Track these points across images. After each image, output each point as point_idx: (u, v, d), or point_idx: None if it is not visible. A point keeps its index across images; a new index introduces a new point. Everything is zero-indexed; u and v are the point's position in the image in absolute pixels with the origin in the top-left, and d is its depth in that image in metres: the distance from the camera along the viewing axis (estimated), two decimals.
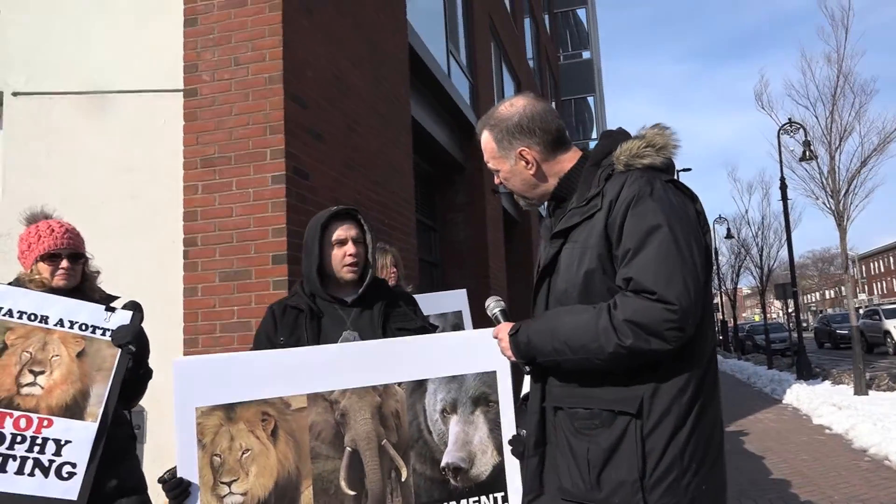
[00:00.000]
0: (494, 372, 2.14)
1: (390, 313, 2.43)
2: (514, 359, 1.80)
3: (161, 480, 1.92)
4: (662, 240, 1.56)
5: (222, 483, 1.93)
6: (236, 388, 2.00)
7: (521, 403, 2.16)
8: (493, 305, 1.95)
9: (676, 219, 1.60)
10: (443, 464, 2.09)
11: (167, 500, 1.92)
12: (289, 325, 2.35)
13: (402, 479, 2.06)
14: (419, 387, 2.12)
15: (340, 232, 2.40)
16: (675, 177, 1.76)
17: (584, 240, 1.67)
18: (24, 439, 2.26)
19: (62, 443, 2.29)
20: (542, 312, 1.77)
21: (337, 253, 2.40)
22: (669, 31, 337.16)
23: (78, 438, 2.31)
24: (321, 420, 2.03)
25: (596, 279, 1.65)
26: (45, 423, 2.29)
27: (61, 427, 2.30)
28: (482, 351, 2.09)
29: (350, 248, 2.39)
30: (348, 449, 2.03)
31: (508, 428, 2.13)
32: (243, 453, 1.96)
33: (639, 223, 1.58)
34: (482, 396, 2.14)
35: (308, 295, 2.40)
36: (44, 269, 2.48)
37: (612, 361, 1.57)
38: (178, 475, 1.91)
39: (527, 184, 1.85)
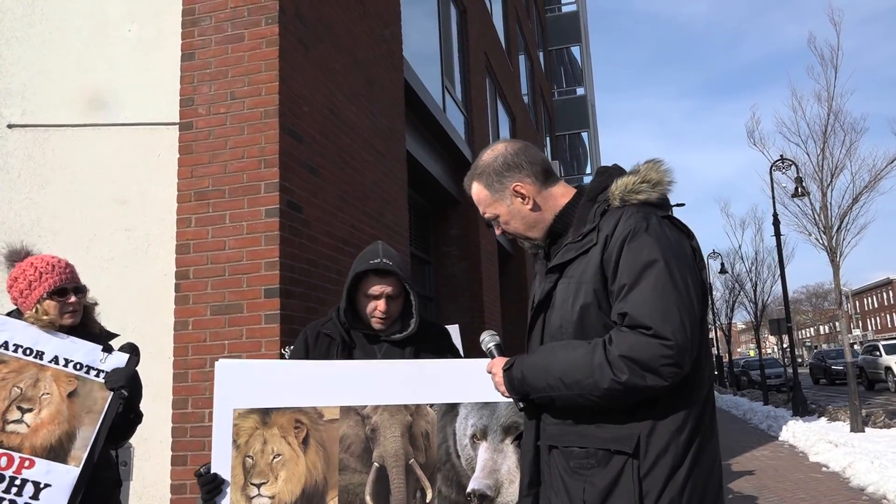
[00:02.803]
0: None
1: (422, 349, 2.40)
2: (507, 395, 1.77)
3: (197, 474, 1.98)
4: (658, 275, 1.55)
5: (252, 484, 1.99)
6: (273, 393, 2.05)
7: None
8: (488, 339, 1.93)
9: (672, 254, 1.59)
10: (469, 489, 2.08)
11: (200, 494, 1.98)
12: (320, 354, 2.34)
13: (427, 500, 2.06)
14: (451, 410, 2.13)
15: (375, 289, 2.32)
16: (670, 212, 1.76)
17: (580, 275, 1.66)
18: (2, 479, 2.19)
19: (41, 486, 2.22)
20: (536, 348, 1.75)
21: (369, 304, 2.34)
22: (669, 68, 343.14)
23: (58, 483, 2.23)
24: (352, 433, 2.06)
25: (591, 314, 1.63)
26: (27, 463, 2.22)
27: (42, 469, 2.23)
28: None
29: (381, 305, 2.32)
30: (376, 464, 2.05)
31: None
32: (274, 457, 2.01)
33: (634, 258, 1.58)
34: (513, 426, 2.12)
35: (342, 323, 2.37)
36: (52, 307, 2.39)
37: (607, 398, 1.54)
38: (213, 471, 1.96)
39: (527, 221, 1.84)
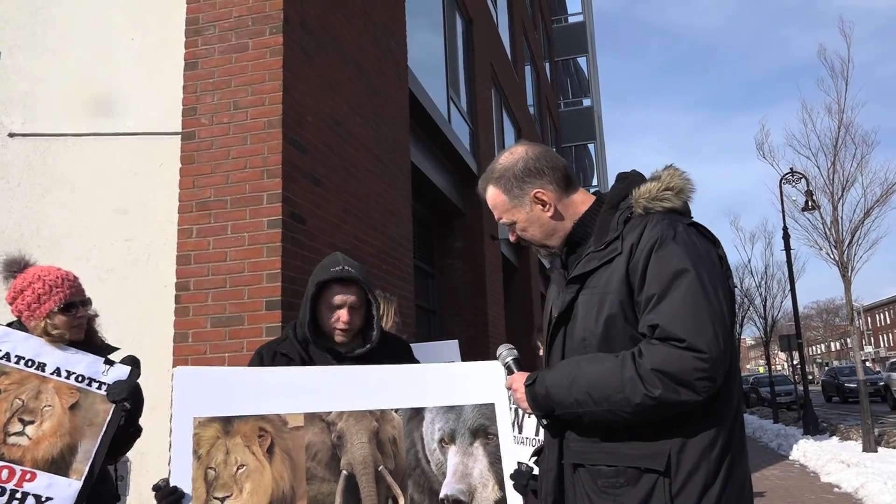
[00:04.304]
0: (493, 404, 2.11)
1: (383, 364, 2.39)
2: (530, 411, 1.73)
3: (155, 487, 1.89)
4: (689, 285, 1.52)
5: (215, 498, 1.89)
6: (235, 401, 2.00)
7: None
8: (506, 354, 1.90)
9: (702, 263, 1.56)
10: (442, 495, 2.05)
11: None
12: None
13: None
14: (416, 415, 2.11)
15: (338, 298, 2.32)
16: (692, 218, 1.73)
17: (604, 285, 1.62)
18: (3, 492, 2.19)
19: (43, 499, 2.22)
20: (558, 362, 1.71)
21: (332, 316, 2.33)
22: (679, 80, 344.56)
23: (60, 496, 2.23)
24: (318, 441, 2.01)
25: (617, 326, 1.60)
26: (28, 476, 2.22)
27: (44, 482, 2.23)
28: (481, 383, 2.09)
29: (344, 315, 2.31)
30: (344, 472, 2.00)
31: (510, 461, 2.08)
32: (238, 469, 1.93)
33: (663, 267, 1.54)
34: (481, 428, 2.10)
35: (300, 341, 2.35)
36: (62, 321, 2.41)
37: (638, 413, 1.51)
38: (172, 485, 1.87)
39: (545, 229, 1.79)
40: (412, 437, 2.09)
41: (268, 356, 2.35)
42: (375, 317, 2.37)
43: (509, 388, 1.81)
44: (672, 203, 1.67)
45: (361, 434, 2.04)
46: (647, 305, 1.55)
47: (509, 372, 1.87)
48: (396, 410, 2.10)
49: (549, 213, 1.78)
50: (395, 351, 2.48)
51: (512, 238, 1.87)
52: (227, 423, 1.96)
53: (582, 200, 1.80)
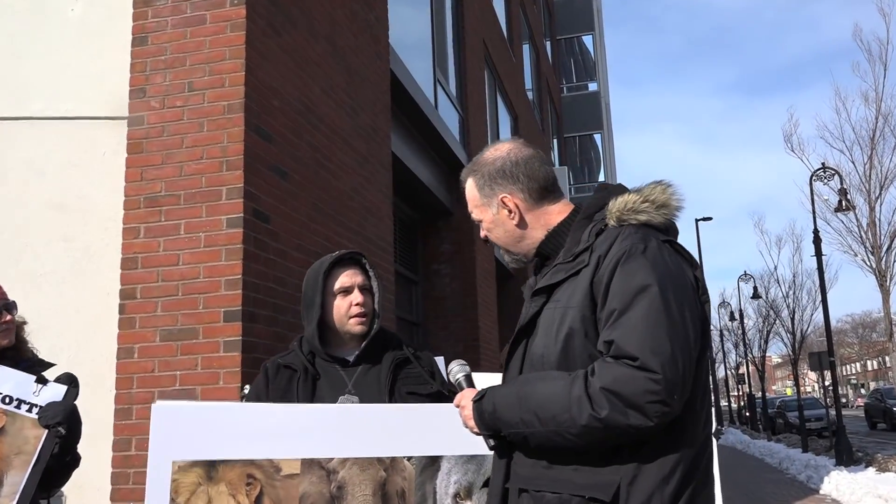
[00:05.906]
0: None
1: (400, 374, 2.43)
2: (476, 430, 1.80)
3: None
4: (651, 301, 1.58)
5: None
6: (221, 443, 1.99)
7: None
8: (457, 370, 1.97)
9: (670, 281, 1.63)
10: None
11: None
12: (280, 388, 2.37)
13: None
14: (432, 464, 2.10)
15: (345, 279, 2.44)
16: (675, 239, 1.81)
17: (567, 299, 1.70)
18: None
19: None
20: (513, 379, 1.78)
21: (341, 303, 2.43)
22: (699, 62, 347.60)
23: None
24: (314, 491, 2.01)
25: (576, 343, 1.67)
26: None
27: None
28: None
29: (357, 296, 2.43)
30: None
31: None
32: None
33: (627, 282, 1.62)
34: None
35: (306, 353, 2.43)
36: None
37: (584, 436, 1.57)
38: None
39: (510, 235, 1.91)
40: (423, 489, 2.08)
41: (272, 369, 2.44)
42: (376, 300, 2.51)
43: (457, 406, 1.87)
44: (649, 216, 1.75)
45: (365, 485, 2.03)
46: (607, 321, 1.62)
47: (459, 388, 1.93)
48: (409, 458, 2.09)
49: (514, 221, 1.90)
50: (416, 357, 2.52)
51: (482, 234, 2.00)
52: (210, 468, 1.96)
53: (559, 211, 1.91)
